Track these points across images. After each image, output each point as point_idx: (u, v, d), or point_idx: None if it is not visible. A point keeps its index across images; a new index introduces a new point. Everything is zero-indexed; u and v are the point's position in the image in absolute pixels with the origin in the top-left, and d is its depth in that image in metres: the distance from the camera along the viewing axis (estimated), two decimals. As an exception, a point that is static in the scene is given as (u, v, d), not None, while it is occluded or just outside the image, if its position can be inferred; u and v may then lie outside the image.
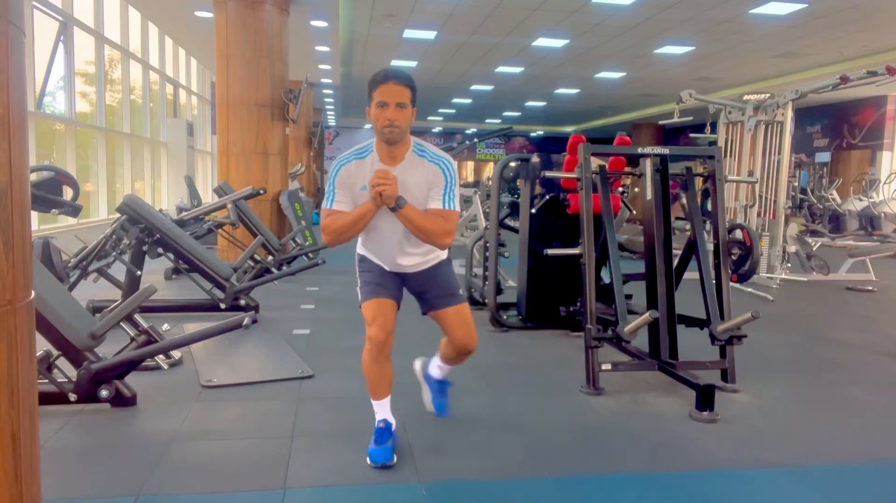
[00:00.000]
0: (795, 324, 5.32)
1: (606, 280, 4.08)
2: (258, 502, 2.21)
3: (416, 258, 2.54)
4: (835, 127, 17.48)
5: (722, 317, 3.51)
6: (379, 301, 2.46)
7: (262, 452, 2.58)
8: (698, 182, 4.03)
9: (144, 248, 4.67)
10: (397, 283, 2.58)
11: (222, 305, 4.84)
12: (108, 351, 3.13)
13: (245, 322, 2.81)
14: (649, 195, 3.72)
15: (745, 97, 7.86)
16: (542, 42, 11.85)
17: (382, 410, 2.56)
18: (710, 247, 3.80)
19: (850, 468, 2.59)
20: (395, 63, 14.19)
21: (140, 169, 11.70)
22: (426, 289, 2.59)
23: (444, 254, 2.62)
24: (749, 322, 3.34)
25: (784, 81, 13.90)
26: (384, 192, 2.23)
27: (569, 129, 27.17)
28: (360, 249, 2.62)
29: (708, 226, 5.94)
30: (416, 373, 2.99)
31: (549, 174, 4.03)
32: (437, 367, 2.86)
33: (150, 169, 12.12)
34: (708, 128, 8.11)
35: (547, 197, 4.78)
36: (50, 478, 2.24)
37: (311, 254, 7.43)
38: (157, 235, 4.65)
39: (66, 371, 2.93)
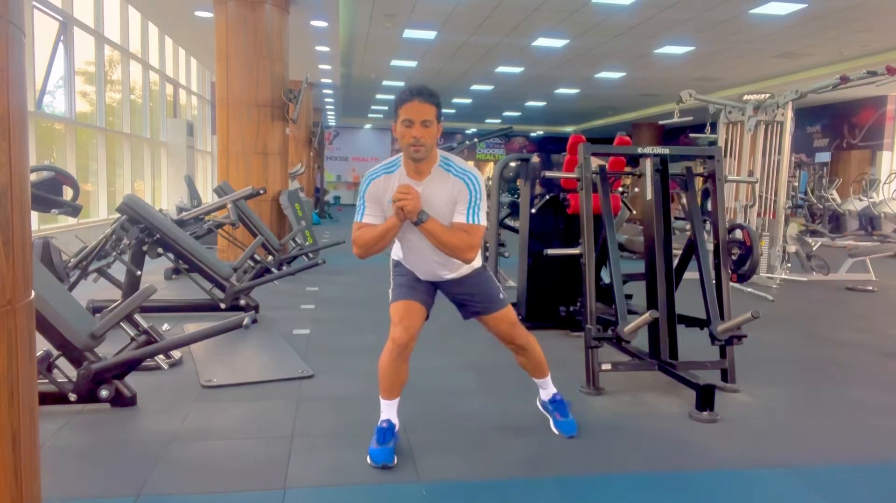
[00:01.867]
0: (795, 324, 5.32)
1: (606, 280, 4.08)
2: (258, 502, 2.22)
3: (452, 272, 2.57)
4: (835, 127, 17.47)
5: (722, 317, 3.51)
6: (408, 303, 2.49)
7: (262, 452, 2.58)
8: (698, 182, 4.03)
9: (144, 248, 4.66)
10: (430, 290, 2.61)
11: (222, 305, 4.84)
12: (108, 351, 3.13)
13: (245, 322, 2.81)
14: (649, 195, 3.72)
15: (745, 97, 7.86)
16: (542, 42, 11.84)
17: (389, 411, 2.56)
18: (710, 247, 3.80)
19: (850, 468, 2.59)
20: (395, 63, 14.19)
21: (140, 169, 11.70)
22: (468, 297, 2.62)
23: (478, 263, 2.63)
24: (749, 322, 3.33)
25: (784, 81, 13.90)
26: (405, 206, 2.26)
27: (569, 129, 27.16)
28: (395, 255, 2.67)
29: (708, 226, 5.93)
30: (539, 408, 2.95)
31: (549, 174, 4.03)
32: (540, 390, 2.90)
33: (150, 169, 12.12)
34: (708, 128, 8.11)
35: (547, 197, 4.78)
36: (50, 478, 2.24)
37: (311, 255, 7.44)
38: (157, 235, 4.65)
39: (66, 371, 2.93)
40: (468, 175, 2.41)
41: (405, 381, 2.56)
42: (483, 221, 2.41)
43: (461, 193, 2.38)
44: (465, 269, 2.58)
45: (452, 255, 2.42)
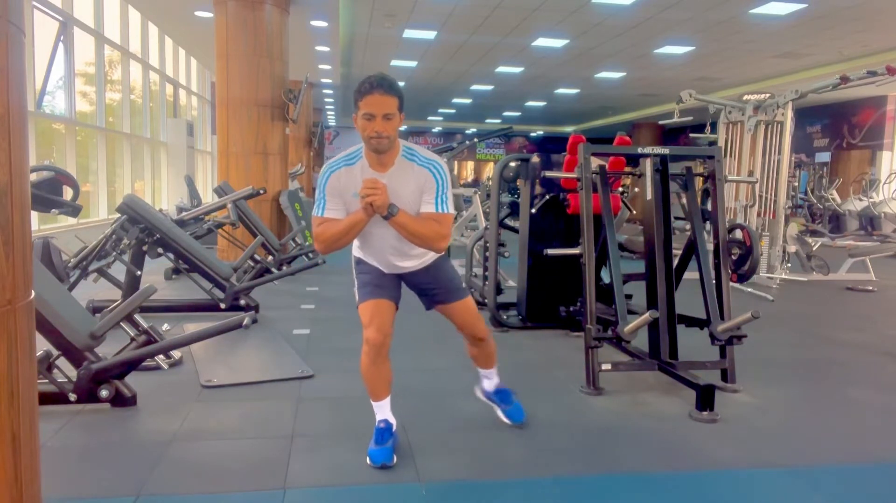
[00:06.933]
0: (795, 324, 5.32)
1: (606, 280, 4.08)
2: (258, 502, 2.22)
3: (414, 261, 2.56)
4: (835, 127, 17.47)
5: (722, 317, 3.51)
6: (377, 302, 2.46)
7: (262, 452, 2.58)
8: (698, 182, 4.03)
9: (144, 248, 4.66)
10: (396, 284, 2.59)
11: (222, 305, 4.84)
12: (108, 351, 3.13)
13: (245, 322, 2.81)
14: (649, 195, 3.72)
15: (745, 97, 7.85)
16: (542, 42, 11.84)
17: (383, 411, 2.56)
18: (710, 247, 3.80)
19: (850, 468, 2.59)
20: (395, 63, 14.19)
21: (140, 169, 11.70)
22: (430, 287, 2.61)
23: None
24: (749, 322, 3.33)
25: (784, 81, 13.90)
26: (375, 202, 2.22)
27: (569, 129, 27.16)
28: (357, 252, 2.62)
29: (708, 226, 5.94)
30: (481, 398, 2.99)
31: (549, 174, 4.03)
32: (484, 380, 2.90)
33: (150, 169, 12.11)
34: (708, 128, 8.12)
35: (547, 197, 4.78)
36: (50, 478, 2.23)
37: (311, 254, 7.42)
38: (157, 235, 4.65)
39: (66, 371, 2.93)
40: (434, 164, 2.37)
41: (390, 379, 2.55)
42: (451, 209, 2.39)
43: (428, 183, 2.35)
44: (426, 259, 2.57)
45: (424, 246, 2.40)
